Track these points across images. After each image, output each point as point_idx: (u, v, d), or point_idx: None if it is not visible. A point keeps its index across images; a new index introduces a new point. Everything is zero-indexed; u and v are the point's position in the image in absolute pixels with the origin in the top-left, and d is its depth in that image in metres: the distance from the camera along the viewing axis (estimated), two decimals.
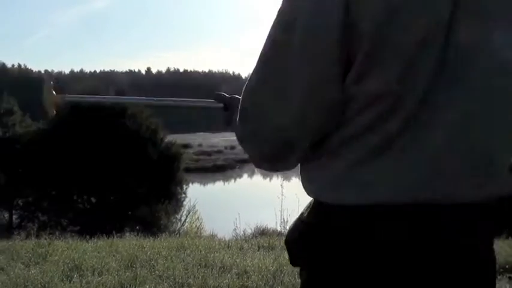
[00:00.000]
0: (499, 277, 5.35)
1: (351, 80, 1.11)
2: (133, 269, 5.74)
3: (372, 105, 1.12)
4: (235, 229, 12.39)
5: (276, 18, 1.18)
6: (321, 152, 1.23)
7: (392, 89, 1.09)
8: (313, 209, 1.27)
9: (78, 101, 1.79)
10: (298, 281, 1.36)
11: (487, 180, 1.17)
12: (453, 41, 1.10)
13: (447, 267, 1.16)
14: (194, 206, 22.24)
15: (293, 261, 1.36)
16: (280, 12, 1.17)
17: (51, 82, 1.76)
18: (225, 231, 11.96)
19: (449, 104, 1.11)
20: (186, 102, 1.82)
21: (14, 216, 26.05)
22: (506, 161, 1.20)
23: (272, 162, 1.31)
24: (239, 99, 1.46)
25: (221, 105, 1.69)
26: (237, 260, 6.00)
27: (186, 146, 47.82)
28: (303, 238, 1.29)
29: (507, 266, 5.76)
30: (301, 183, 1.33)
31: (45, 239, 8.37)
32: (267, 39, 1.18)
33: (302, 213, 1.33)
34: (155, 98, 1.86)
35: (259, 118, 1.22)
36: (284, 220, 11.91)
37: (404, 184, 1.12)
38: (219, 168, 51.46)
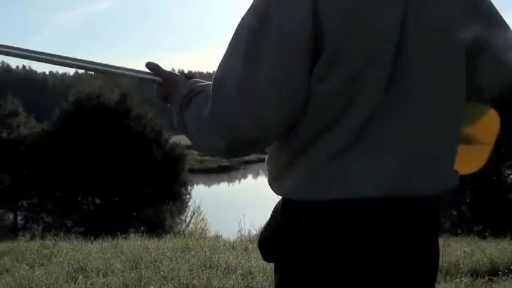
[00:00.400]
0: (503, 277, 5.33)
1: (316, 78, 1.19)
2: (138, 270, 5.74)
3: (334, 103, 1.20)
4: (240, 230, 12.37)
5: (250, 10, 1.25)
6: (288, 153, 1.30)
7: (352, 88, 1.19)
8: (284, 208, 1.34)
9: None
10: None
11: (441, 176, 1.32)
12: (404, 48, 1.21)
13: (414, 254, 1.29)
14: (199, 207, 22.25)
15: (265, 258, 1.44)
16: (255, 5, 1.24)
17: None
18: (229, 232, 11.95)
19: (404, 107, 1.23)
20: (120, 70, 1.67)
21: (19, 218, 26.11)
22: (452, 159, 1.36)
23: (235, 152, 1.33)
24: (180, 76, 1.57)
25: (160, 80, 1.62)
26: (242, 261, 6.00)
27: (190, 147, 47.80)
28: (275, 236, 1.36)
29: None
30: (268, 183, 1.41)
31: (50, 240, 8.39)
32: (245, 29, 1.24)
33: (273, 214, 1.40)
34: (84, 60, 1.69)
35: (241, 112, 1.22)
36: None
37: (375, 180, 1.21)
38: (223, 169, 51.42)
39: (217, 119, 1.25)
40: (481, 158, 1.61)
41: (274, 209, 1.42)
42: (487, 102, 1.54)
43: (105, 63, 1.67)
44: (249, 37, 1.22)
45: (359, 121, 1.20)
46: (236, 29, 1.28)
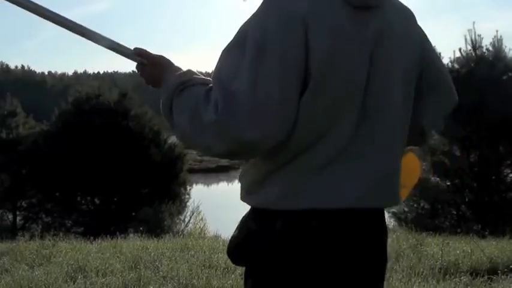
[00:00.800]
0: (503, 276, 5.32)
1: (303, 103, 1.38)
2: (138, 270, 5.74)
3: (317, 126, 1.40)
4: None
5: (254, 23, 1.41)
6: (268, 167, 1.46)
7: (333, 114, 1.41)
8: (258, 216, 1.50)
9: None
10: None
11: (395, 192, 1.57)
12: (371, 85, 1.45)
13: (374, 254, 1.53)
14: (198, 206, 22.21)
15: (236, 262, 1.66)
16: (259, 21, 1.40)
17: None
18: (229, 232, 11.87)
19: (373, 133, 1.47)
20: (104, 40, 1.69)
21: (18, 218, 26.01)
22: (399, 180, 1.60)
23: (231, 156, 1.47)
24: (167, 59, 1.66)
25: (142, 60, 1.68)
26: None
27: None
28: (248, 242, 1.53)
29: (511, 266, 5.73)
30: (240, 197, 1.59)
31: (49, 240, 8.38)
32: (251, 41, 1.38)
33: (244, 222, 1.58)
34: (73, 21, 1.67)
35: (249, 125, 1.34)
36: None
37: (351, 193, 1.43)
38: (222, 168, 51.32)
39: (225, 126, 1.34)
40: None
41: (243, 218, 1.60)
42: (424, 140, 1.79)
43: (94, 30, 1.69)
44: (256, 53, 1.35)
45: (337, 142, 1.42)
46: (240, 34, 1.42)
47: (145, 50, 1.69)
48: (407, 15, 1.63)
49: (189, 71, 1.56)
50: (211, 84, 1.46)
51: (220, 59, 1.45)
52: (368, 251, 1.50)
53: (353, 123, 1.43)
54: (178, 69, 1.62)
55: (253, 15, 1.43)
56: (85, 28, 1.68)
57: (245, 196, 1.56)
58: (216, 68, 1.45)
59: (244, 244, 1.54)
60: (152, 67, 1.66)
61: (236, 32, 1.44)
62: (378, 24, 1.47)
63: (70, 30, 1.67)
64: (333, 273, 1.43)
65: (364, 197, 1.45)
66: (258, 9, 1.42)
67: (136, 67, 1.70)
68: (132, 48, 1.72)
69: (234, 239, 1.61)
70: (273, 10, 1.39)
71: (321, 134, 1.41)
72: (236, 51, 1.40)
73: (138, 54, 1.69)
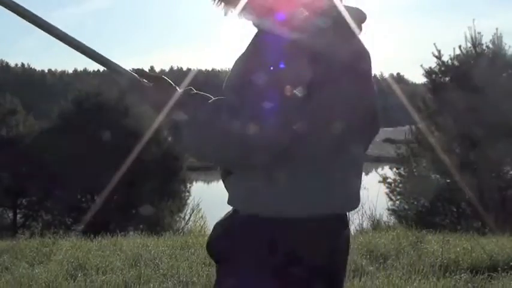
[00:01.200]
0: (503, 274, 5.32)
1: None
2: (138, 267, 5.74)
3: (313, 143, 1.53)
4: None
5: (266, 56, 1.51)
6: (263, 177, 1.56)
7: (327, 135, 1.55)
8: (244, 220, 1.61)
9: None
10: None
11: (359, 198, 1.76)
12: (355, 116, 1.62)
13: (346, 246, 1.77)
14: (198, 204, 22.22)
15: (218, 260, 1.72)
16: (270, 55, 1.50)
17: None
18: None
19: (354, 155, 1.66)
20: (110, 63, 1.67)
21: (18, 216, 26.05)
22: None
23: (240, 161, 1.57)
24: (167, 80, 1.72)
25: (143, 80, 1.69)
26: None
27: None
28: (232, 244, 1.63)
29: (511, 263, 5.73)
30: (230, 199, 1.71)
31: (49, 238, 8.37)
32: (262, 69, 1.48)
33: (227, 222, 1.72)
34: (77, 40, 1.66)
35: (258, 139, 1.44)
36: None
37: (339, 200, 1.63)
38: None
39: (234, 127, 1.43)
40: None
41: (225, 220, 1.75)
42: None
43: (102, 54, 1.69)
44: (267, 72, 1.45)
45: (329, 157, 1.58)
46: (253, 46, 1.55)
47: (145, 70, 1.73)
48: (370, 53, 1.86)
49: (189, 89, 1.64)
50: (214, 99, 1.57)
51: (234, 68, 1.60)
52: (345, 245, 1.76)
53: (340, 144, 1.60)
54: (175, 89, 1.67)
55: (266, 32, 1.55)
56: (69, 36, 1.67)
57: (233, 202, 1.69)
58: (229, 76, 1.60)
59: (231, 244, 1.65)
60: (153, 89, 1.68)
61: (249, 42, 1.57)
62: (368, 61, 1.70)
63: (51, 35, 1.67)
64: (321, 270, 1.60)
65: (349, 203, 1.71)
66: (273, 29, 1.53)
67: (135, 87, 1.69)
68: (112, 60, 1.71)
69: (216, 235, 1.74)
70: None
71: (315, 149, 1.55)
72: (249, 61, 1.53)
73: (140, 75, 1.70)
